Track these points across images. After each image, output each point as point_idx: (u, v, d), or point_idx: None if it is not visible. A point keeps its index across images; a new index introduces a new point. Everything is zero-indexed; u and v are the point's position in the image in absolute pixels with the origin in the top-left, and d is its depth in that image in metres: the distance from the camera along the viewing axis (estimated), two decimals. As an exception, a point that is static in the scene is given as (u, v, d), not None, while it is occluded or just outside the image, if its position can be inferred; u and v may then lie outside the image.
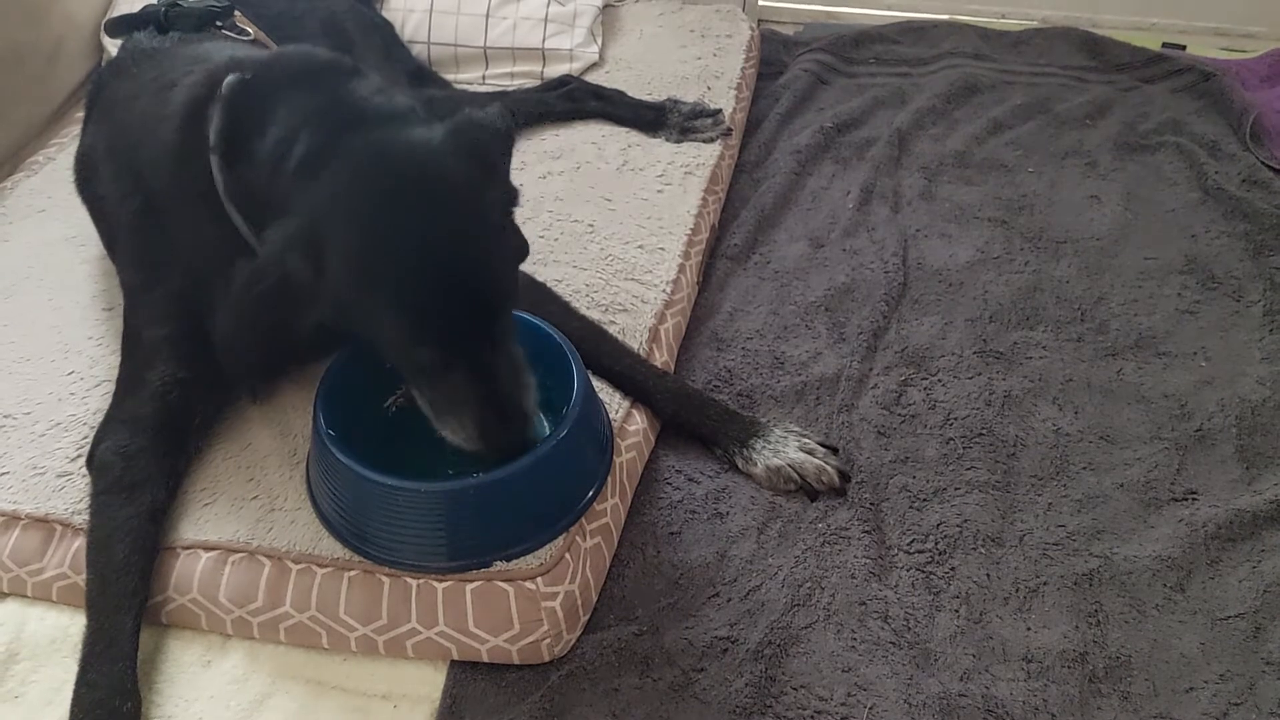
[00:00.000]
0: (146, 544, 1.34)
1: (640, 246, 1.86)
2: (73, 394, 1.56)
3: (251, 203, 1.32)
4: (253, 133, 1.30)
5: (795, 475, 1.54)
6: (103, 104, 1.63)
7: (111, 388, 1.48)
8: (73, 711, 1.22)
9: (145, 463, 1.38)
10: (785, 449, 1.56)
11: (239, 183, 1.32)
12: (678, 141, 2.17)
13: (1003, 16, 2.93)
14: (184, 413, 1.43)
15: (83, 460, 1.44)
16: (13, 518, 1.41)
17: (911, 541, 1.48)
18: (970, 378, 1.74)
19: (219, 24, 1.72)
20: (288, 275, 1.19)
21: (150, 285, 1.47)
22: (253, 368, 1.40)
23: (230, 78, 1.33)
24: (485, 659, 1.31)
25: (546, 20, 2.39)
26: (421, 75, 2.31)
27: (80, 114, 1.85)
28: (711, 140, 2.18)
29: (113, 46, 2.20)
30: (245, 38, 1.74)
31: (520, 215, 1.91)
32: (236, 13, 1.75)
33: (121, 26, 1.74)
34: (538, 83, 2.36)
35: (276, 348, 1.34)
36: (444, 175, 1.24)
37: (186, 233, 1.42)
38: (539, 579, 1.30)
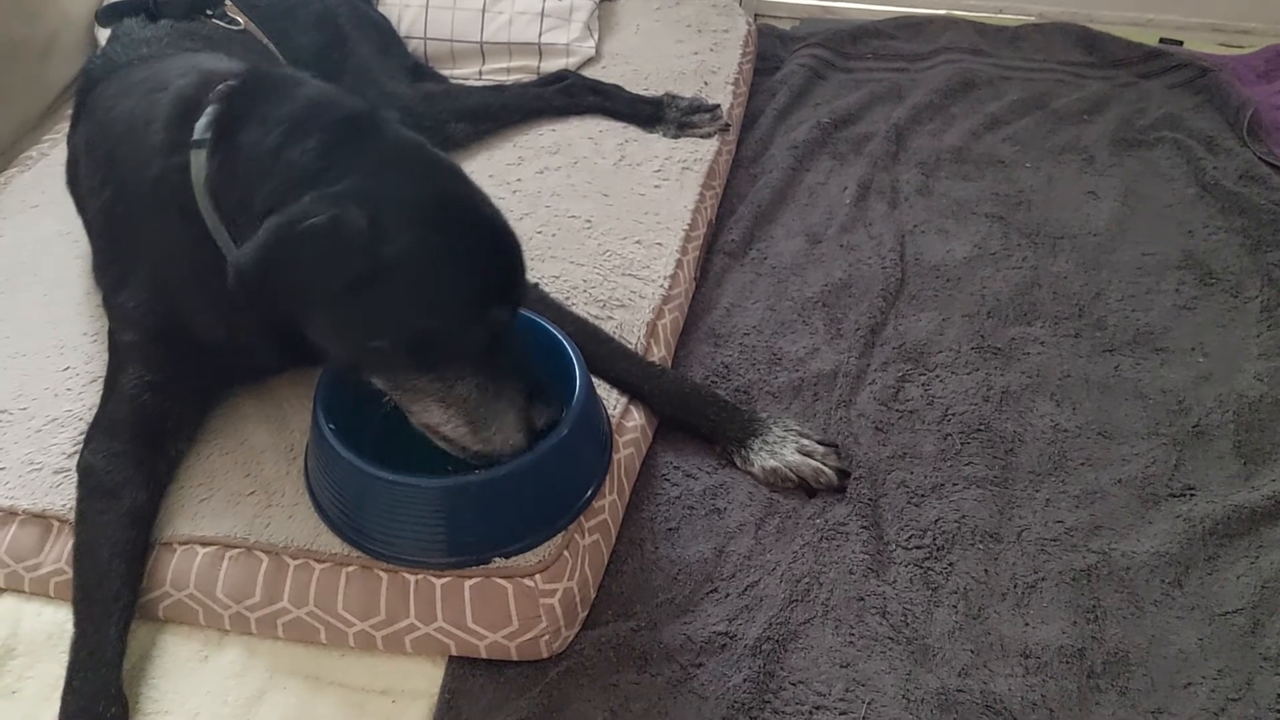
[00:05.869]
0: (128, 548, 1.33)
1: (638, 242, 1.86)
2: (69, 389, 1.56)
3: (232, 192, 1.27)
4: (246, 127, 1.28)
5: (792, 477, 1.54)
6: (90, 102, 1.60)
7: (106, 384, 1.48)
8: (60, 717, 1.22)
9: (123, 466, 1.37)
10: (783, 450, 1.56)
11: (221, 173, 1.28)
12: (675, 137, 2.17)
13: (1000, 11, 2.93)
14: (158, 416, 1.42)
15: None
16: (9, 513, 1.41)
17: (910, 537, 1.48)
18: (968, 373, 1.74)
19: (209, 13, 1.71)
20: (340, 218, 1.13)
21: (119, 287, 1.45)
22: (263, 325, 1.31)
23: (229, 80, 1.32)
24: (484, 655, 1.31)
25: (543, 15, 2.38)
26: (418, 70, 2.30)
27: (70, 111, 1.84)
28: (709, 135, 2.18)
29: (105, 38, 2.19)
30: (235, 27, 1.73)
31: (518, 211, 1.91)
32: (227, 2, 1.74)
33: (112, 14, 1.72)
34: (534, 78, 2.36)
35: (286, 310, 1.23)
36: (486, 199, 1.29)
37: (156, 234, 1.39)
38: (537, 576, 1.30)
